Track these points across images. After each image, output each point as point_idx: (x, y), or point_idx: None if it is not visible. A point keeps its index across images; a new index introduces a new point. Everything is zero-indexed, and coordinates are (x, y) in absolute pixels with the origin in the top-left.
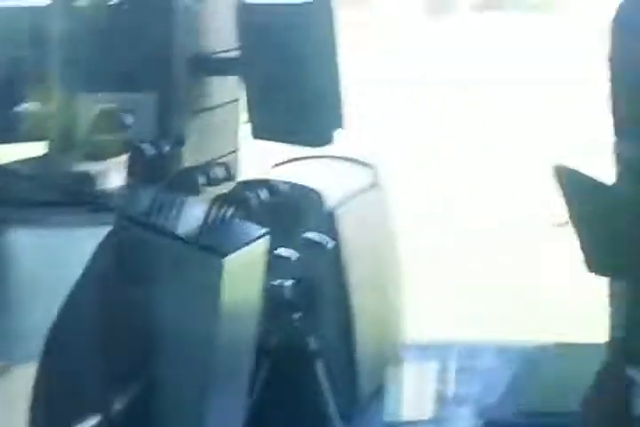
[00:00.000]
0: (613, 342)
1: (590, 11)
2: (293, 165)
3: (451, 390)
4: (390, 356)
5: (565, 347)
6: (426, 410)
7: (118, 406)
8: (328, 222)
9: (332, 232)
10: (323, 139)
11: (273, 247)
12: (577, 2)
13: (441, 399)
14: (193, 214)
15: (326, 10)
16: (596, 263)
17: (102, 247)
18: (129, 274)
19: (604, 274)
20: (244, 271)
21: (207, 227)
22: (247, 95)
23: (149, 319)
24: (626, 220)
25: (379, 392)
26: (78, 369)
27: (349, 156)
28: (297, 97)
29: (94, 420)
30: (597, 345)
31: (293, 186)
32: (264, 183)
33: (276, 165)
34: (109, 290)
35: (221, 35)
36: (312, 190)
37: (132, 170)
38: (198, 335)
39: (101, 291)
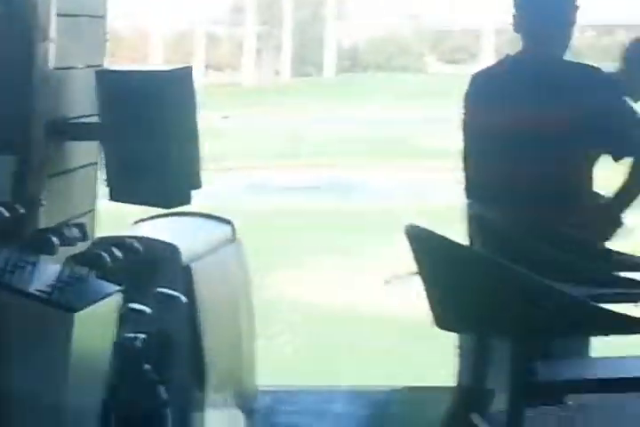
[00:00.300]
0: (459, 390)
1: (453, 70)
2: (153, 222)
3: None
4: (244, 404)
5: (416, 391)
6: None
7: None
8: (184, 276)
9: (188, 286)
10: (180, 199)
11: (130, 303)
12: (440, 62)
13: None
14: (46, 273)
15: (184, 77)
16: (441, 319)
17: None
18: None
19: (448, 329)
20: (95, 327)
21: (59, 285)
22: (105, 159)
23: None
24: (470, 278)
25: None
26: None
27: (208, 213)
28: (154, 160)
29: None
30: (447, 388)
31: (149, 242)
32: (118, 241)
33: (137, 222)
34: None
35: (81, 100)
36: (168, 245)
37: None
38: (48, 390)
39: None
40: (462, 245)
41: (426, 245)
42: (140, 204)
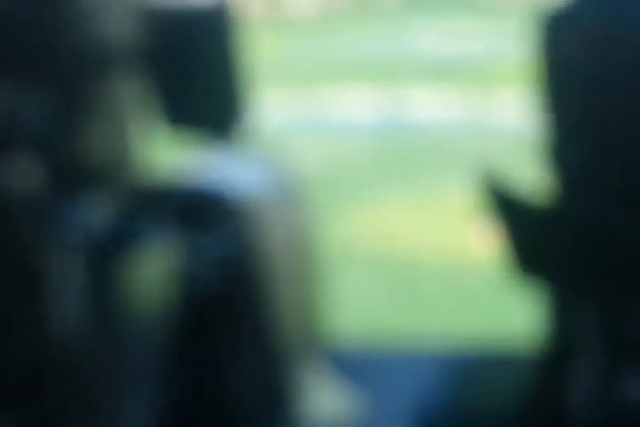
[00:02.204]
0: (545, 346)
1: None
2: (202, 158)
3: (386, 385)
4: (322, 358)
5: (502, 351)
6: (360, 405)
7: None
8: (240, 219)
9: (247, 230)
10: (230, 133)
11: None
12: None
13: (375, 395)
14: None
15: (221, 15)
16: (518, 269)
17: None
18: None
19: (527, 280)
20: None
21: None
22: (152, 90)
23: None
24: (547, 230)
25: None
26: None
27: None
28: (201, 92)
29: None
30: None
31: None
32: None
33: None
34: None
35: (117, 29)
36: (221, 185)
37: None
38: None
39: None
40: (534, 193)
41: (496, 192)
42: (189, 137)
